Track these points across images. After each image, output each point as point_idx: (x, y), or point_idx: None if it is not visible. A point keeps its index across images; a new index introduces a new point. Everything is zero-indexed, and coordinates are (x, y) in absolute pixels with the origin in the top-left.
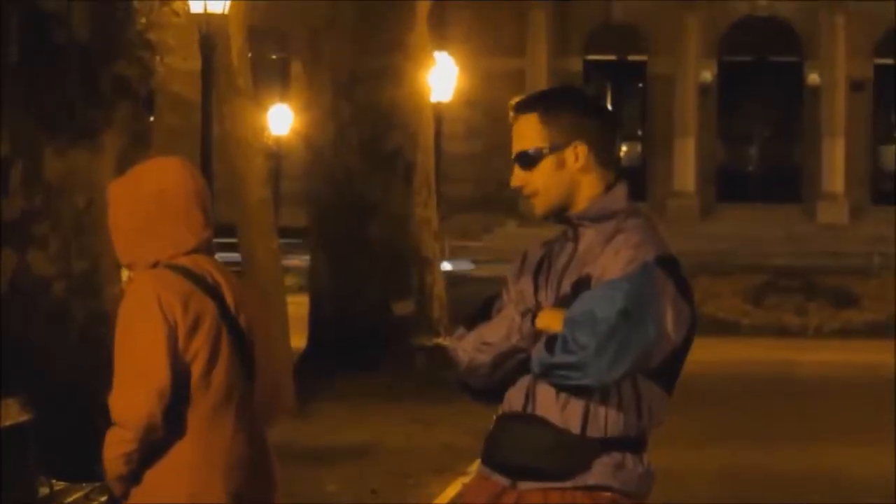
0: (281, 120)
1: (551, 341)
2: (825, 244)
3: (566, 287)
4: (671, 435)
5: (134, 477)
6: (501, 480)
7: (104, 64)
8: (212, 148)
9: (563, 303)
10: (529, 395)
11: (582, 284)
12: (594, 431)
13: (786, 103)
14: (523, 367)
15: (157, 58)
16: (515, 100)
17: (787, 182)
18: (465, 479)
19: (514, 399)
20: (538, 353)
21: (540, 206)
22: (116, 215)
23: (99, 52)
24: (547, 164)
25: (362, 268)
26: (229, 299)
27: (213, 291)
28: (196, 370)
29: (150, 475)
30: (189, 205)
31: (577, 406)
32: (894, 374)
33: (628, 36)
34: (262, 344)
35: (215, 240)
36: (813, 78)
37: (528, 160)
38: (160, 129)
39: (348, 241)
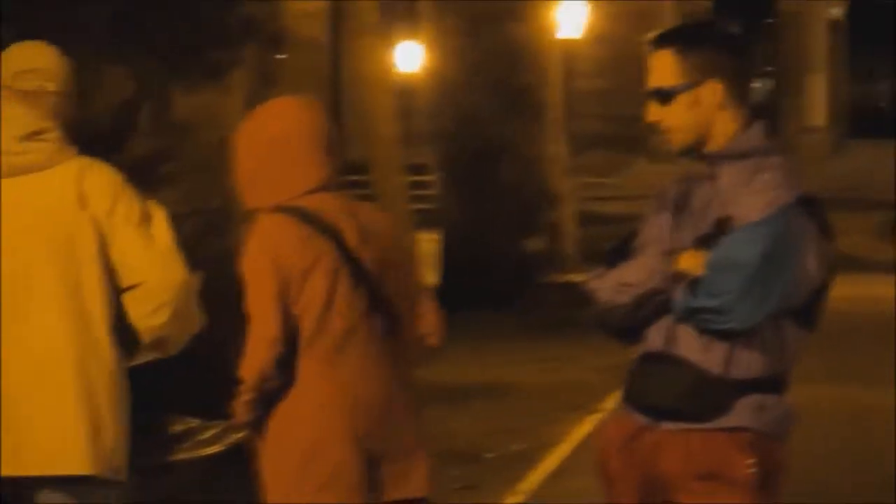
0: (410, 58)
1: (693, 285)
2: None
3: (706, 226)
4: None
5: (257, 423)
6: (642, 419)
7: (230, 4)
8: (340, 86)
9: (703, 242)
10: (670, 336)
11: (724, 224)
12: (736, 373)
13: None
14: (663, 309)
15: None
16: (653, 34)
17: None
18: (598, 417)
19: (654, 339)
20: (680, 296)
21: (676, 142)
22: (238, 159)
23: None
24: (683, 101)
25: (492, 205)
26: (350, 238)
27: (331, 232)
28: (312, 315)
29: (273, 422)
30: (308, 144)
31: (719, 348)
32: None
33: None
34: (402, 279)
35: (347, 177)
36: None
37: (664, 96)
38: (288, 69)
39: (478, 179)
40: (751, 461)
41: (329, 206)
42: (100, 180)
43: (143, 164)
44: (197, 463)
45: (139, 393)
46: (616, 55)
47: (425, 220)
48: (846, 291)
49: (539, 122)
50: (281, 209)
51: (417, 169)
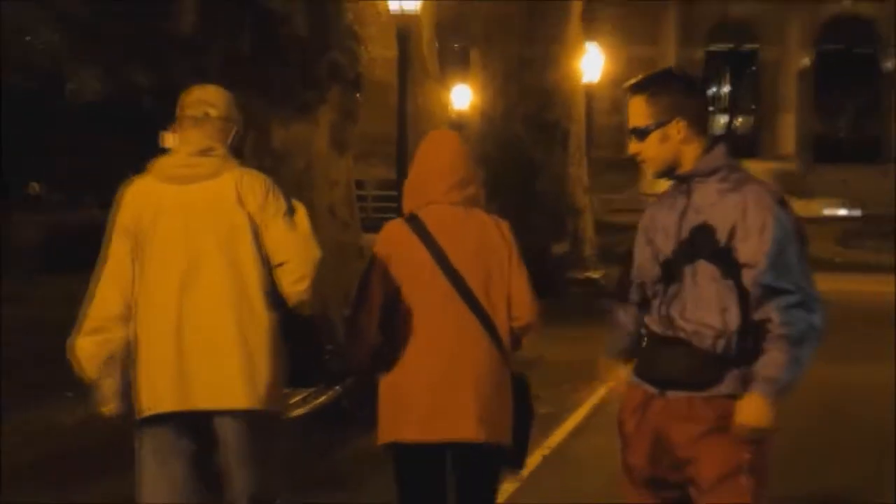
0: (462, 97)
1: (810, 304)
2: None
3: (685, 233)
4: None
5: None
6: (651, 389)
7: (320, 53)
8: (406, 120)
9: (683, 247)
10: (669, 323)
11: (702, 231)
12: (727, 352)
13: (868, 84)
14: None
15: (363, 48)
16: (629, 83)
17: (870, 147)
18: (611, 384)
19: (657, 325)
20: (793, 318)
21: (652, 169)
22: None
23: (315, 43)
24: (654, 137)
25: (528, 215)
26: (445, 241)
27: (427, 235)
28: (400, 302)
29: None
30: (435, 167)
31: (712, 333)
32: None
33: (742, 29)
34: (501, 276)
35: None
36: (887, 66)
37: (640, 134)
38: (365, 106)
39: (516, 194)
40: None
41: (437, 214)
42: (253, 184)
43: None
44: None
45: None
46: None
47: None
48: (822, 287)
49: (565, 149)
50: (403, 216)
51: None
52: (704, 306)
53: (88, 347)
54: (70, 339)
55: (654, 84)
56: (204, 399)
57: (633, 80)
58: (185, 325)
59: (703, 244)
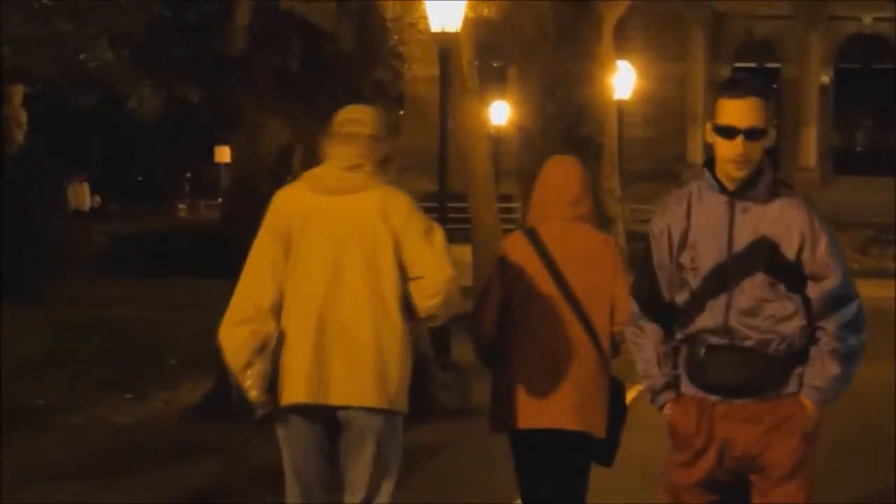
0: (500, 113)
1: (851, 325)
2: None
3: (739, 241)
4: None
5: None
6: (711, 397)
7: (365, 70)
8: (447, 135)
9: (739, 256)
10: (727, 333)
11: (761, 241)
12: (786, 353)
13: (885, 100)
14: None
15: (406, 66)
16: (742, 82)
17: (887, 159)
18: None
19: (712, 334)
20: (841, 335)
21: (745, 172)
22: None
23: (361, 61)
24: (763, 140)
25: None
26: (556, 252)
27: (541, 246)
28: (515, 303)
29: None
30: (551, 188)
31: (777, 337)
32: None
33: (766, 48)
34: (594, 281)
35: (453, 204)
36: None
37: (756, 135)
38: (407, 121)
39: None
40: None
41: (549, 229)
42: (398, 203)
43: None
44: None
45: None
46: (659, 111)
47: None
48: None
49: (598, 162)
50: (523, 228)
51: (506, 198)
52: (768, 314)
53: (239, 337)
54: (221, 329)
55: (768, 89)
56: (338, 395)
57: (741, 80)
58: (326, 325)
59: (761, 254)
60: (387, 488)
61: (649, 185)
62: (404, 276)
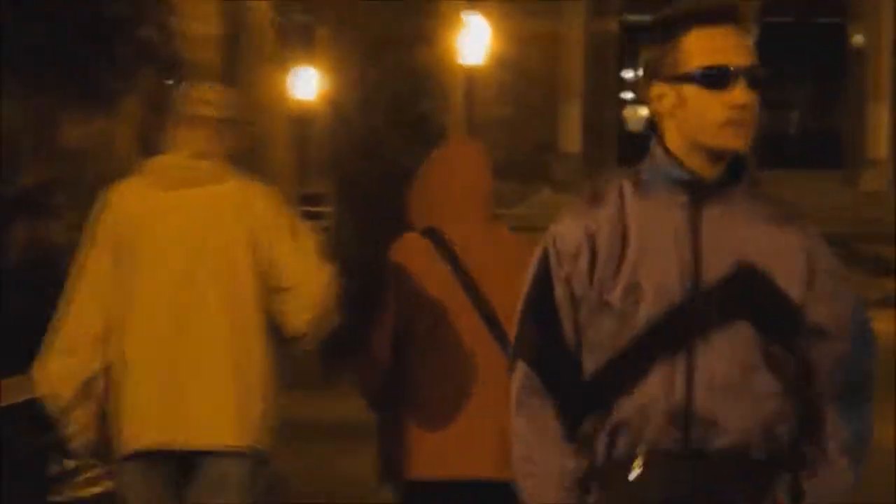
0: (306, 84)
1: (871, 399)
2: (867, 212)
3: (708, 272)
4: None
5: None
6: None
7: (128, 31)
8: None
9: (706, 296)
10: (684, 426)
11: (745, 277)
12: (779, 458)
13: (827, 66)
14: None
15: (183, 23)
16: (724, 4)
17: (827, 148)
18: None
19: (661, 431)
20: (861, 431)
21: (747, 140)
22: None
23: (123, 19)
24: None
25: (390, 234)
26: (471, 261)
27: (450, 253)
28: (416, 324)
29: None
30: (457, 179)
31: (762, 433)
32: None
33: None
34: (503, 287)
35: None
36: (857, 40)
37: (756, 79)
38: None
39: (375, 208)
40: None
41: (460, 232)
42: (257, 197)
43: (27, 193)
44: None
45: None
46: (520, 83)
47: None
48: None
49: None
50: (421, 229)
51: (311, 199)
52: (754, 392)
53: (58, 371)
54: (35, 365)
55: (744, 15)
56: (191, 436)
57: (719, 2)
58: (174, 352)
59: (745, 290)
60: None
61: (508, 182)
62: (268, 287)
